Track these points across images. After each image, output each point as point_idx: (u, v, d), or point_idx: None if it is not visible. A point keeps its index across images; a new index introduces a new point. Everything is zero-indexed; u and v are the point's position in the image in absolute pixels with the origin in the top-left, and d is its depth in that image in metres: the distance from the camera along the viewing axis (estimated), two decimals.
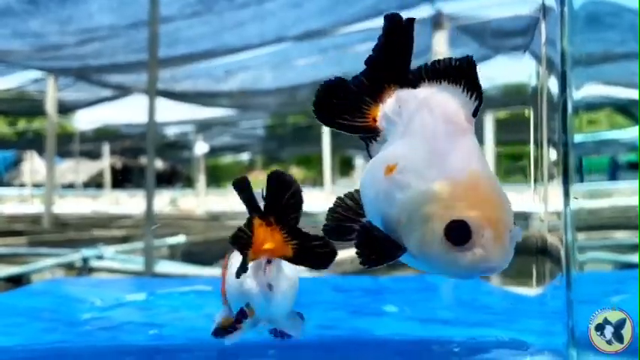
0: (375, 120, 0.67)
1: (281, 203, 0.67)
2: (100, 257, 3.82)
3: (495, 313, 1.12)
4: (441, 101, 0.60)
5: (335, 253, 0.69)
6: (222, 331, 0.75)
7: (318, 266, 0.69)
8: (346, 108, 0.68)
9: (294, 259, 0.69)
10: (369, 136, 0.68)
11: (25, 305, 1.25)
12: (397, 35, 0.61)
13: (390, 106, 0.67)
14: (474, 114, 0.60)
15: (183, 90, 7.82)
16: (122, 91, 8.33)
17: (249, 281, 0.71)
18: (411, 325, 0.96)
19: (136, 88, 8.05)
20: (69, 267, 3.58)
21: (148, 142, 3.43)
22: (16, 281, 3.14)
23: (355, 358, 0.77)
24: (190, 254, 4.85)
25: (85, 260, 3.41)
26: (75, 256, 3.48)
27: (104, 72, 7.44)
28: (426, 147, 0.58)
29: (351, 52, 6.65)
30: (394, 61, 0.62)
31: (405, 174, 0.58)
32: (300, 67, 6.98)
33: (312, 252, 0.68)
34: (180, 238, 5.14)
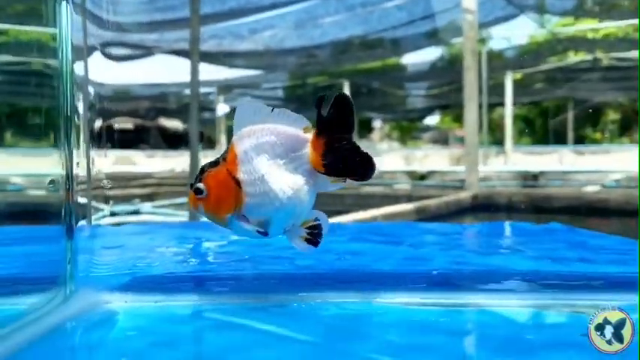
0: None
1: (342, 121, 0.71)
2: (136, 212, 3.90)
3: None
4: None
5: (373, 167, 0.72)
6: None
7: (359, 177, 0.73)
8: None
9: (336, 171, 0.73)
10: None
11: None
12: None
13: None
14: None
15: (207, 50, 7.77)
16: (143, 50, 8.29)
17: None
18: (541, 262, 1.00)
19: (158, 49, 8.03)
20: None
21: (192, 102, 3.44)
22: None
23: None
24: None
25: (135, 212, 3.49)
26: (117, 209, 3.57)
27: (123, 31, 7.40)
28: None
29: (378, 10, 6.57)
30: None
31: None
32: (325, 26, 6.91)
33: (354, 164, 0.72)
34: None
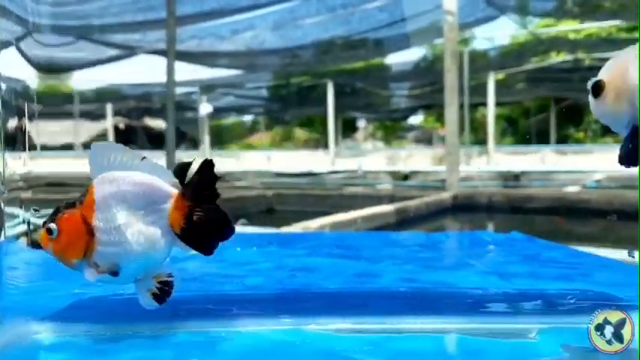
0: None
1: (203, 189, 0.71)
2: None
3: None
4: None
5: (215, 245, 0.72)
6: None
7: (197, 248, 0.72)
8: None
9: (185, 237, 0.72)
10: None
11: None
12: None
13: None
14: None
15: (188, 50, 7.74)
16: (126, 50, 8.24)
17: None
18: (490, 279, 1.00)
19: (141, 49, 7.99)
20: None
21: (168, 102, 3.42)
22: None
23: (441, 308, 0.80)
24: None
25: None
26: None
27: (107, 31, 7.35)
28: None
29: (358, 11, 6.57)
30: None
31: None
32: (306, 27, 6.90)
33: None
34: None
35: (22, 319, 0.77)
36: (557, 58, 10.46)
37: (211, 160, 0.72)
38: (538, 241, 1.51)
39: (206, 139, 11.03)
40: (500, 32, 9.67)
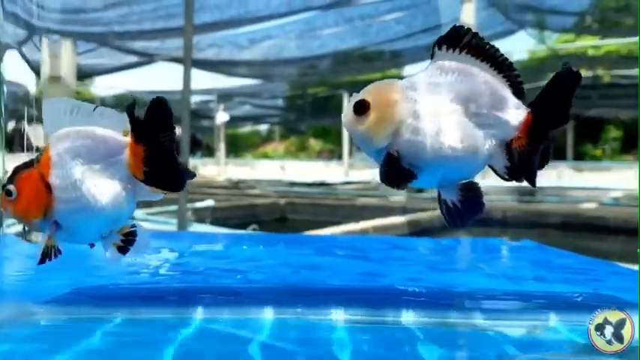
0: None
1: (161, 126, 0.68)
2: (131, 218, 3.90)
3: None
4: None
5: (184, 179, 0.70)
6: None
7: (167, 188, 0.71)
8: None
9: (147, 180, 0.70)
10: None
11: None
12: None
13: None
14: None
15: (206, 58, 7.81)
16: (145, 58, 8.34)
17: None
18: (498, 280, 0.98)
19: (159, 56, 8.07)
20: None
21: (184, 109, 3.44)
22: None
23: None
24: (215, 219, 4.95)
25: None
26: None
27: (128, 39, 7.45)
28: None
29: (376, 23, 6.59)
30: None
31: None
32: (324, 37, 6.94)
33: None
34: (210, 202, 5.24)
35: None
36: None
37: (161, 98, 0.69)
38: (548, 248, 1.50)
39: (221, 146, 11.08)
40: (519, 47, 9.62)
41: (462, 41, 0.70)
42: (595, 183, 8.83)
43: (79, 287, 0.86)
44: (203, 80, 9.33)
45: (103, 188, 0.70)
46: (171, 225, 3.73)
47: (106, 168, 0.70)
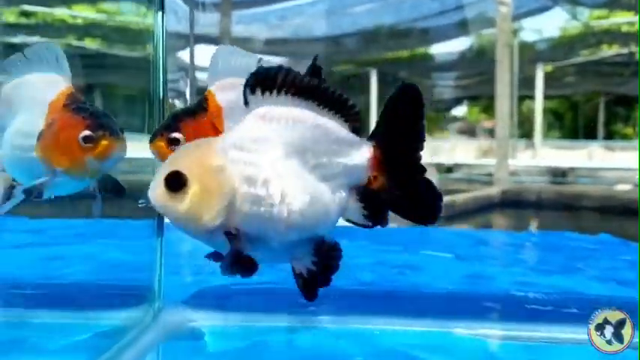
0: None
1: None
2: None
3: None
4: None
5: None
6: None
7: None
8: None
9: None
10: None
11: None
12: None
13: None
14: None
15: (235, 36, 7.75)
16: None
17: None
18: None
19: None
20: None
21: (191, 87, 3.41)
22: None
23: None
24: None
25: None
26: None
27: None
28: None
29: (409, 0, 6.48)
30: None
31: None
32: (356, 14, 6.84)
33: None
34: None
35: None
36: (608, 51, 10.12)
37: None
38: (631, 244, 1.46)
39: None
40: (551, 23, 9.40)
41: (276, 81, 0.59)
42: (628, 163, 8.66)
43: None
44: None
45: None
46: None
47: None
